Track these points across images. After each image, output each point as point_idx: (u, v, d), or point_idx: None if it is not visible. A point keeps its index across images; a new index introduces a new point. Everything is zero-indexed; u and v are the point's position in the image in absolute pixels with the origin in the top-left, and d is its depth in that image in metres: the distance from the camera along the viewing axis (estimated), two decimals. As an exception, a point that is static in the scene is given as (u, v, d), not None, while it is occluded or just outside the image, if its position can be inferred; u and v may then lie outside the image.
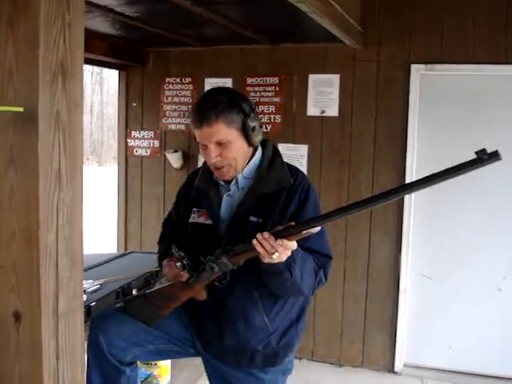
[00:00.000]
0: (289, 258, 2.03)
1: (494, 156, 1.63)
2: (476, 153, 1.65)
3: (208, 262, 2.15)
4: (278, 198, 2.23)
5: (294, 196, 2.23)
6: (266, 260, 2.00)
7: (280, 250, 1.96)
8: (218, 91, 2.30)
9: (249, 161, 2.32)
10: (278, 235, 1.96)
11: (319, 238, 2.21)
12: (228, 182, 2.33)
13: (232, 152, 2.22)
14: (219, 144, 2.20)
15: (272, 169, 2.30)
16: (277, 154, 2.37)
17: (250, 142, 2.25)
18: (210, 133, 2.18)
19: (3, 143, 1.51)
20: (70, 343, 1.65)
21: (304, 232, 1.96)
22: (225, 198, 2.33)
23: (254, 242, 1.99)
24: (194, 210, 2.39)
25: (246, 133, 2.21)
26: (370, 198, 1.86)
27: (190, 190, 2.45)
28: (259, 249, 1.98)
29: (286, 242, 1.96)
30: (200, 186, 2.40)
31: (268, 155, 2.34)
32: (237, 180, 2.31)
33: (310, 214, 2.18)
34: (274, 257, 1.97)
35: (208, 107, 2.18)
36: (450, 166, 4.54)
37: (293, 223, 2.00)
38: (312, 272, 2.19)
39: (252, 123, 2.21)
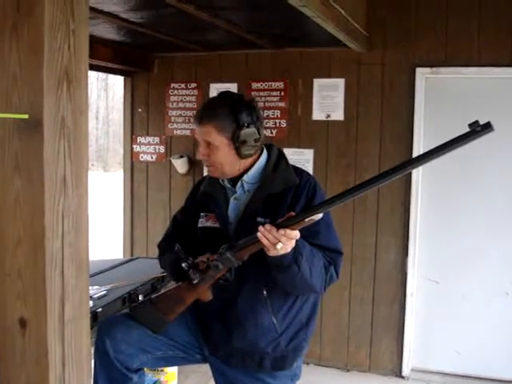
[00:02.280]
0: (295, 251, 2.04)
1: (487, 127, 1.67)
2: (469, 125, 1.69)
3: (213, 261, 2.16)
4: (285, 198, 2.24)
5: (301, 195, 2.25)
6: (272, 252, 2.01)
7: (283, 240, 1.97)
8: (226, 95, 2.34)
9: (252, 165, 2.33)
10: (280, 226, 1.99)
11: (327, 233, 2.24)
12: (234, 185, 2.34)
13: (218, 157, 2.26)
14: (208, 144, 2.25)
15: (277, 170, 2.32)
16: (282, 156, 2.39)
17: (238, 154, 2.26)
18: (201, 131, 2.26)
19: (8, 150, 1.51)
20: (77, 350, 1.65)
21: (306, 220, 1.98)
22: (232, 202, 2.35)
23: (259, 234, 2.00)
24: (201, 214, 2.40)
25: (234, 144, 2.23)
26: (365, 181, 1.89)
27: (197, 196, 2.47)
28: (263, 241, 2.00)
29: (288, 231, 1.97)
30: (207, 190, 2.42)
31: (273, 158, 2.36)
32: (243, 183, 2.33)
33: None
34: (278, 247, 1.98)
35: (208, 107, 2.27)
36: (455, 167, 4.49)
37: (293, 213, 2.02)
38: (322, 268, 2.19)
39: (243, 137, 2.22)
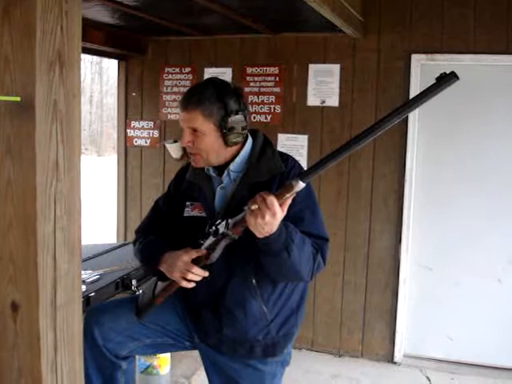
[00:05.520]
0: (286, 237, 1.99)
1: (453, 77, 1.81)
2: (436, 78, 1.81)
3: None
4: (271, 186, 2.20)
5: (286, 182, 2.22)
6: (250, 220, 1.91)
7: (261, 206, 1.86)
8: (213, 82, 2.29)
9: (238, 154, 2.30)
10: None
11: (312, 220, 2.21)
12: (220, 175, 2.32)
13: (203, 144, 2.22)
14: (194, 131, 2.21)
15: (263, 158, 2.29)
16: (267, 143, 2.36)
17: (225, 141, 2.23)
18: (187, 118, 2.21)
19: (0, 133, 1.49)
20: (69, 334, 1.64)
21: (287, 183, 1.89)
22: (218, 191, 2.32)
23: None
24: (187, 203, 2.38)
25: (221, 130, 2.20)
26: (348, 141, 1.82)
27: (182, 184, 2.44)
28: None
29: (268, 197, 1.86)
30: (193, 180, 2.38)
31: (258, 145, 2.33)
32: (229, 172, 2.30)
33: (302, 199, 2.16)
34: (253, 207, 1.88)
35: (194, 93, 2.22)
36: (449, 154, 4.50)
37: None
38: (310, 255, 2.15)
39: (231, 123, 2.19)
